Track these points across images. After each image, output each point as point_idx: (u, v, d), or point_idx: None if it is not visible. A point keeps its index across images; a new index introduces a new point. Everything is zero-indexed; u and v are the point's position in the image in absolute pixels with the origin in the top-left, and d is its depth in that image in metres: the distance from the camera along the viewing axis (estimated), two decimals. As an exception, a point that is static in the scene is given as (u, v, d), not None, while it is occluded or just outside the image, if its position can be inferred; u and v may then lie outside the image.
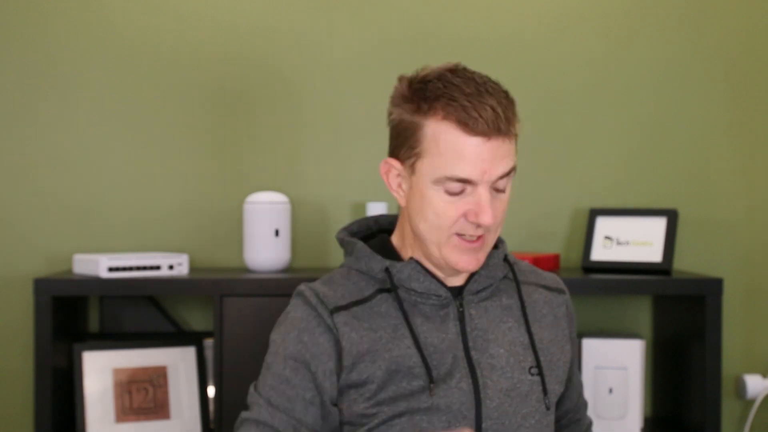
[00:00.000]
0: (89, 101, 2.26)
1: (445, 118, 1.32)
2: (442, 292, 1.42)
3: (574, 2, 2.32)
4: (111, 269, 2.01)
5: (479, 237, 1.38)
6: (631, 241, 2.22)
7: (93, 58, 2.26)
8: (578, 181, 2.33)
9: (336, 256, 2.29)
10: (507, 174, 1.36)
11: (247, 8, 2.28)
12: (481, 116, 1.31)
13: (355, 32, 2.29)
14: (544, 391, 1.43)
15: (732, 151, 2.33)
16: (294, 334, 1.42)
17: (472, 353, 1.41)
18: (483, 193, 1.34)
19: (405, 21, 2.30)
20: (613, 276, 2.09)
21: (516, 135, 1.38)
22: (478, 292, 1.45)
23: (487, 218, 1.33)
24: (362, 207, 2.28)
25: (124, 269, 2.03)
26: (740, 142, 2.33)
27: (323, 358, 1.40)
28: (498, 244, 1.52)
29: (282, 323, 1.45)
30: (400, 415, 1.37)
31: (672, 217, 2.21)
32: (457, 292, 1.45)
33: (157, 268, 2.07)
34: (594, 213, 2.27)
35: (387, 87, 2.29)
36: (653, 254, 2.19)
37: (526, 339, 1.45)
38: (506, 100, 1.35)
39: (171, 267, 2.09)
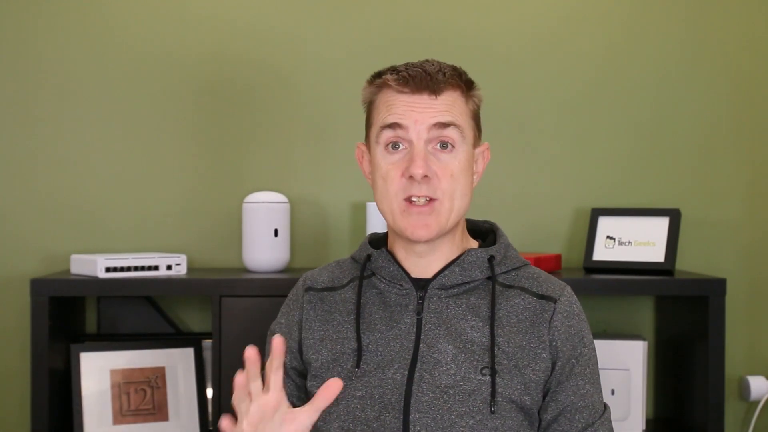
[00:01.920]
0: (86, 102, 2.25)
1: (385, 84, 1.44)
2: (405, 282, 1.46)
3: (575, 2, 2.31)
4: (108, 269, 2.00)
5: (429, 202, 1.41)
6: (633, 241, 2.21)
7: (89, 59, 2.25)
8: (580, 181, 2.31)
9: (335, 255, 2.28)
10: (445, 125, 1.40)
11: (244, 9, 2.27)
12: (410, 75, 1.41)
13: (352, 32, 2.28)
14: (492, 393, 1.39)
15: (735, 151, 2.32)
16: (278, 317, 1.57)
17: (421, 346, 1.42)
18: (417, 144, 1.40)
19: (404, 21, 2.28)
20: (615, 276, 2.08)
21: (473, 111, 1.45)
22: (447, 287, 1.45)
23: (416, 168, 1.38)
24: (362, 207, 2.27)
25: (122, 269, 2.02)
26: (743, 141, 2.32)
27: (288, 335, 1.52)
28: (494, 242, 1.52)
29: None
30: (338, 401, 1.41)
31: (675, 217, 2.19)
32: (425, 284, 1.47)
33: (155, 268, 2.06)
34: (596, 213, 2.26)
35: (387, 86, 2.27)
36: (656, 254, 2.17)
37: (487, 340, 1.42)
38: (449, 71, 1.43)
39: (169, 267, 2.07)
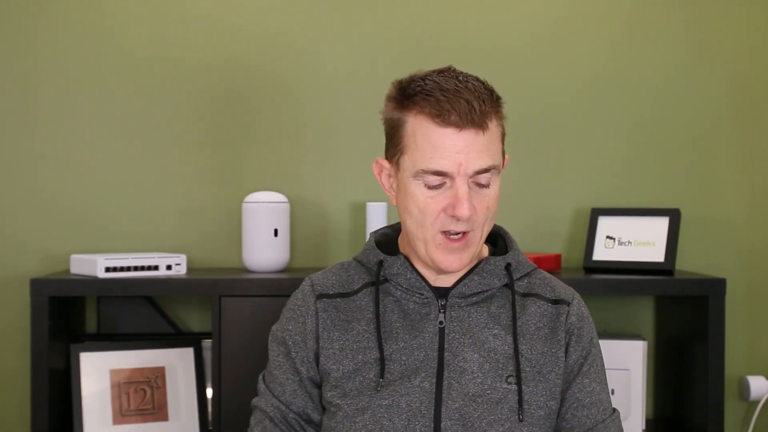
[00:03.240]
0: (86, 102, 2.25)
1: (421, 112, 1.37)
2: (425, 291, 1.45)
3: (574, 2, 2.31)
4: (108, 269, 2.00)
5: (463, 236, 1.40)
6: (633, 241, 2.21)
7: (90, 59, 2.25)
8: (580, 181, 2.31)
9: (335, 255, 2.28)
10: (486, 170, 1.37)
11: (244, 12, 2.27)
12: (453, 108, 1.34)
13: (352, 35, 2.28)
14: (520, 401, 1.40)
15: (735, 151, 2.32)
16: (284, 322, 1.51)
17: (446, 354, 1.42)
18: (460, 185, 1.36)
19: (403, 24, 2.28)
20: (615, 276, 2.08)
21: (502, 133, 1.41)
22: (467, 296, 1.45)
23: (463, 210, 1.35)
24: (362, 207, 2.27)
25: (122, 269, 2.02)
26: (743, 141, 2.32)
27: (303, 344, 1.47)
28: (507, 250, 1.52)
29: (282, 312, 1.53)
30: (363, 411, 1.40)
31: (674, 216, 2.19)
32: (444, 292, 1.46)
33: (155, 268, 2.06)
34: (596, 213, 2.26)
35: (384, 89, 2.24)
36: (656, 254, 2.17)
37: (510, 348, 1.43)
38: (486, 96, 1.37)
39: (169, 267, 2.07)
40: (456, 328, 1.43)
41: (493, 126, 1.38)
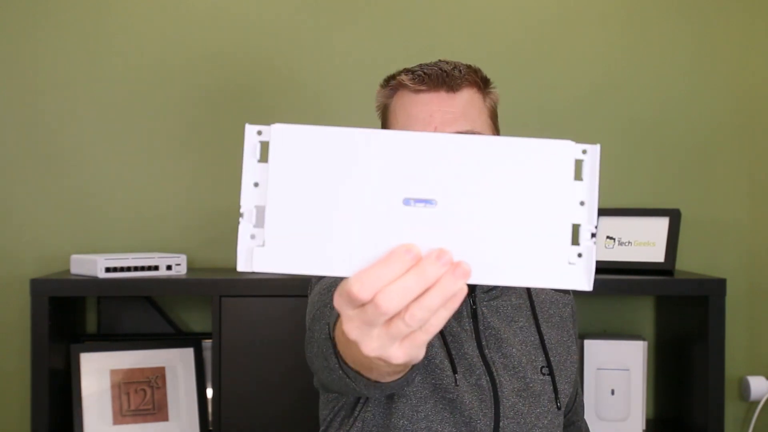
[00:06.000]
0: (86, 102, 2.25)
1: (401, 86, 1.40)
2: None
3: (575, 3, 2.31)
4: (108, 269, 2.00)
5: None
6: (633, 241, 2.21)
7: (91, 59, 2.25)
8: (580, 181, 2.31)
9: (336, 256, 2.27)
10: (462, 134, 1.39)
11: (245, 10, 2.27)
12: (426, 74, 1.37)
13: (357, 33, 2.28)
14: (555, 390, 1.42)
15: (735, 151, 2.32)
16: (330, 284, 1.32)
17: (486, 352, 1.40)
18: None
19: (405, 20, 2.28)
20: (615, 276, 2.08)
21: (490, 109, 1.42)
22: (488, 290, 1.45)
23: None
24: (362, 207, 2.26)
25: (122, 269, 2.02)
26: (743, 141, 2.32)
27: None
28: None
29: (315, 292, 1.35)
30: (425, 399, 1.35)
31: (675, 217, 2.19)
32: (469, 289, 1.44)
33: (155, 268, 2.06)
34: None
35: (387, 86, 2.27)
36: (656, 254, 2.17)
37: (536, 339, 1.44)
38: (464, 67, 1.39)
39: (169, 267, 2.07)
40: (489, 324, 1.42)
41: (470, 93, 1.39)
